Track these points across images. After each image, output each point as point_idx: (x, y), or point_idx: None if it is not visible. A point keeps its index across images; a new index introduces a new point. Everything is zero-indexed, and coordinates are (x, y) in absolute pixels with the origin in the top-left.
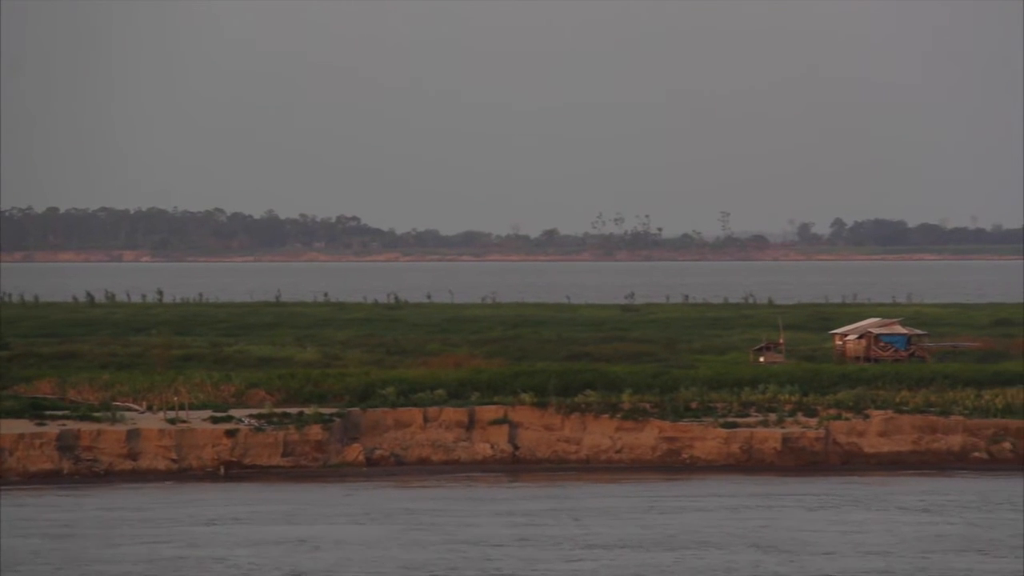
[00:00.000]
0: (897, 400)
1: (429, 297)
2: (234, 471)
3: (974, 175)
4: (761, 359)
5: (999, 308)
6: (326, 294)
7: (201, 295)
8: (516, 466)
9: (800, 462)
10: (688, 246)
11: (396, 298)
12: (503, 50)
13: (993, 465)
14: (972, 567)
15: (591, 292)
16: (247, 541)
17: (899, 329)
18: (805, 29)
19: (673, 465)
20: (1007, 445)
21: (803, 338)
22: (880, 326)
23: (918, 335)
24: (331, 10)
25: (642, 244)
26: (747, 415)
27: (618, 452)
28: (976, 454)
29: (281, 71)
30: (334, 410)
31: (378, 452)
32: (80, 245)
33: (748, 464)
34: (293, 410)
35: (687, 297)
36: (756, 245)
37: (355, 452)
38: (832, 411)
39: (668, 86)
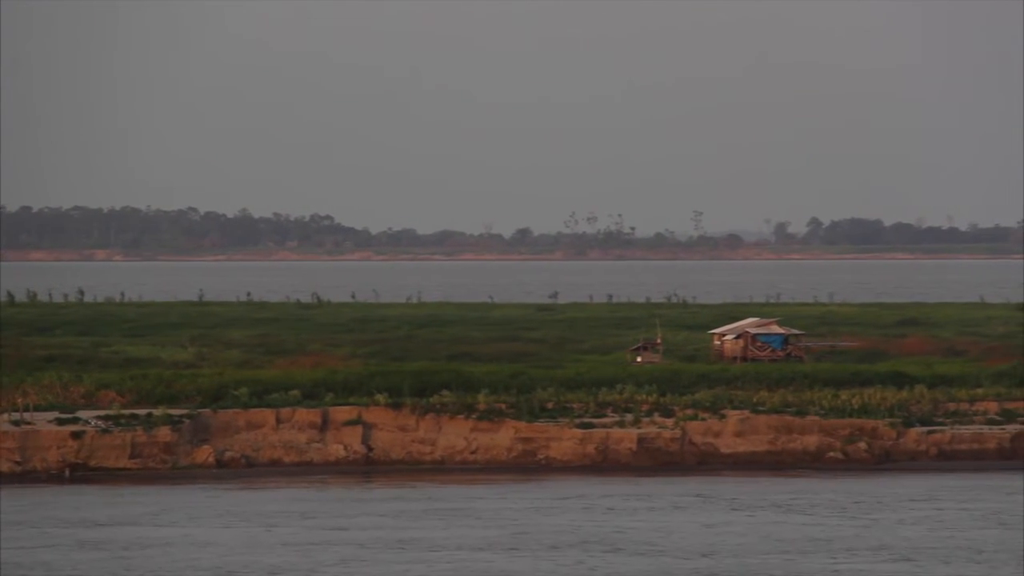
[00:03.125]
0: (755, 400)
1: (353, 296)
2: (79, 473)
3: (958, 174)
4: (639, 359)
5: (912, 307)
6: (248, 293)
7: (123, 294)
8: (370, 467)
9: (656, 462)
10: (661, 245)
11: (318, 297)
12: (481, 47)
13: (848, 465)
14: (826, 566)
15: (523, 291)
16: (109, 544)
17: (776, 329)
18: (798, 26)
19: (528, 466)
20: (862, 445)
21: (697, 338)
22: (757, 326)
23: (795, 335)
24: (321, 8)
25: (615, 243)
26: (604, 415)
27: (473, 453)
28: (831, 454)
29: (264, 69)
30: (185, 412)
31: (228, 454)
32: (52, 244)
33: (604, 464)
34: (142, 411)
35: (611, 297)
36: (729, 244)
37: (205, 454)
38: (689, 411)
39: (658, 79)
